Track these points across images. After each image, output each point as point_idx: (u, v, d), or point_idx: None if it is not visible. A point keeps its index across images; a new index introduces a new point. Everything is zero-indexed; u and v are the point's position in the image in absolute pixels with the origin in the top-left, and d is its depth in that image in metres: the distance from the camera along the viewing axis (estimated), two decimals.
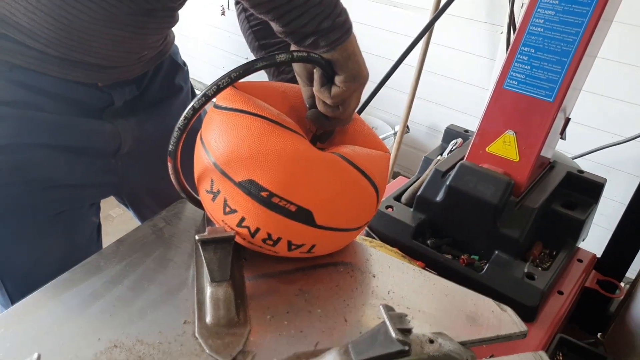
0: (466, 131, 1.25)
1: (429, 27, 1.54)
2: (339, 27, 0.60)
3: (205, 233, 0.62)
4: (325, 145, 0.70)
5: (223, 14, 3.00)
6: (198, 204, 0.71)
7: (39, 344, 0.55)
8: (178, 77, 0.95)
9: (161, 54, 0.88)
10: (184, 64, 0.99)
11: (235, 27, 2.98)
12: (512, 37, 1.36)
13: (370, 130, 0.74)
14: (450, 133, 1.25)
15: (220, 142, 0.61)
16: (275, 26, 0.61)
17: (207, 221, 0.77)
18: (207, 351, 0.55)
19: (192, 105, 0.59)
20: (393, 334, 0.50)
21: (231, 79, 0.58)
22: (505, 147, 1.00)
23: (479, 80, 2.04)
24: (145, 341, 0.56)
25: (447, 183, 0.99)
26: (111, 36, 0.70)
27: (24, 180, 0.72)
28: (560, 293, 0.97)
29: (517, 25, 1.01)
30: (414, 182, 1.15)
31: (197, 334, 0.57)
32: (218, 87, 0.58)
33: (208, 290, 0.61)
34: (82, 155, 0.78)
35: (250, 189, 0.59)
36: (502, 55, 1.88)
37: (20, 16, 0.64)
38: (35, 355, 0.45)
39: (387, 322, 0.51)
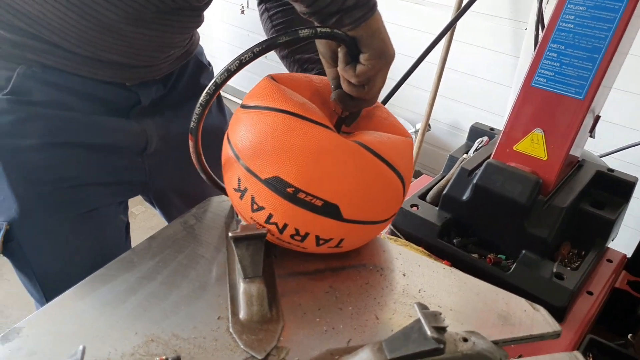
0: (492, 129, 1.24)
1: (452, 25, 1.53)
2: (364, 4, 0.58)
3: (238, 230, 0.63)
4: (350, 129, 0.69)
5: (242, 12, 3.01)
6: (219, 187, 0.72)
7: (78, 338, 0.56)
8: (203, 77, 0.96)
9: (187, 53, 0.89)
10: (209, 64, 1.00)
11: (255, 25, 3.00)
12: (540, 34, 1.35)
13: (393, 116, 0.74)
14: (476, 131, 1.24)
15: (245, 141, 0.62)
16: (299, 7, 0.60)
17: (236, 217, 0.78)
18: (242, 346, 0.56)
19: (215, 81, 0.59)
20: (428, 332, 0.50)
21: (254, 54, 0.58)
22: (533, 145, 0.99)
23: (501, 78, 2.02)
24: (180, 336, 0.57)
25: (474, 182, 0.98)
26: (139, 35, 0.72)
27: (55, 179, 0.73)
28: (590, 293, 0.95)
29: (546, 21, 0.99)
30: (439, 180, 1.14)
31: (231, 330, 0.58)
32: (241, 62, 0.58)
33: (241, 286, 0.61)
34: (111, 153, 0.80)
35: (276, 185, 0.59)
36: (526, 52, 1.85)
37: (52, 16, 0.66)
38: (81, 348, 0.46)
39: (422, 320, 0.51)
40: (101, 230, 0.79)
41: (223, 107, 1.03)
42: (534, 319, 0.62)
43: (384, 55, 0.61)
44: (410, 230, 1.04)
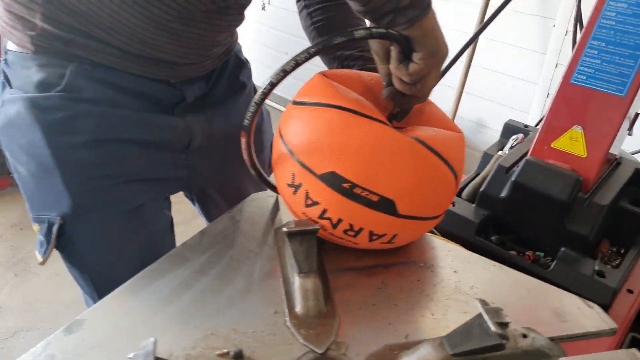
0: (526, 126, 1.23)
1: (488, 24, 1.51)
2: (418, 4, 0.58)
3: (292, 225, 0.63)
4: (401, 124, 0.69)
5: (263, 8, 3.02)
6: (267, 183, 0.74)
7: (138, 330, 0.57)
8: (242, 74, 0.97)
9: (228, 51, 0.90)
10: (247, 61, 1.00)
11: (276, 21, 3.01)
12: (579, 31, 1.33)
13: (442, 112, 0.74)
14: (510, 128, 1.24)
15: (301, 137, 0.62)
16: (354, 5, 0.60)
17: (280, 211, 0.78)
18: (301, 341, 0.56)
19: (270, 81, 0.59)
20: (492, 328, 0.50)
21: (309, 54, 0.58)
22: (572, 143, 0.98)
23: (528, 75, 2.00)
24: (239, 330, 0.58)
25: (512, 179, 0.98)
26: (188, 34, 0.72)
27: (106, 175, 0.75)
28: (630, 292, 0.95)
29: (586, 18, 0.99)
30: (474, 177, 1.14)
31: (288, 324, 0.58)
32: (296, 62, 0.58)
33: (296, 281, 0.62)
34: (158, 150, 0.81)
35: (332, 181, 0.60)
36: (554, 49, 1.84)
37: (104, 15, 0.67)
38: (152, 340, 0.47)
39: (485, 316, 0.51)
40: (149, 225, 0.80)
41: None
42: (589, 316, 0.62)
43: (437, 54, 0.61)
44: (448, 227, 1.04)
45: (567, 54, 1.76)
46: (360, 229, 0.62)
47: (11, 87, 0.75)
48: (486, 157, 1.18)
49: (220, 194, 1.00)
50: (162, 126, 0.80)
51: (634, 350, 0.57)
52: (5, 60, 0.76)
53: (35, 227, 0.75)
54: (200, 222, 1.00)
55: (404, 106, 0.67)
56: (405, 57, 0.62)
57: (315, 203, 0.62)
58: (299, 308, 0.60)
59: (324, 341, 0.56)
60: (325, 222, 0.63)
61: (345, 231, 0.63)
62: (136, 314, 0.60)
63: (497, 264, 0.69)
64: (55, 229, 0.72)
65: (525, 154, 1.04)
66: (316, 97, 0.63)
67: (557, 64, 1.83)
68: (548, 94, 1.90)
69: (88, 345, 0.55)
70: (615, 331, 0.60)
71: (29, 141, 0.72)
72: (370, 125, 0.59)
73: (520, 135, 1.18)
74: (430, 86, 0.64)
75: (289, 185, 0.64)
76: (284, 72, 0.59)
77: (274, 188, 0.78)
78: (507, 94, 2.10)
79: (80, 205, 0.73)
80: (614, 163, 1.08)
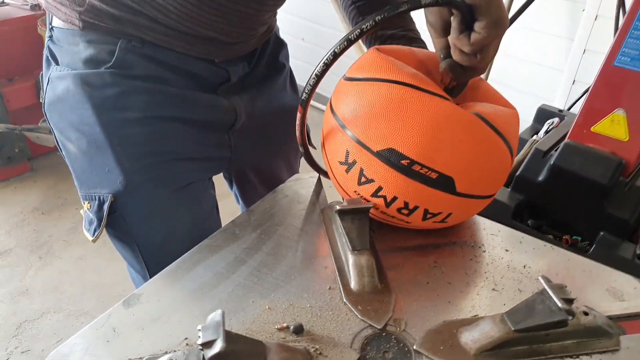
0: (560, 111, 1.22)
1: (522, 11, 1.49)
2: None
3: (345, 204, 0.63)
4: (457, 99, 0.68)
5: None
6: (314, 163, 0.74)
7: (195, 305, 0.58)
8: (281, 54, 0.96)
9: (269, 30, 0.89)
10: (285, 42, 1.00)
11: (292, 7, 2.97)
12: (622, 15, 1.31)
13: (494, 89, 0.73)
14: (543, 113, 1.22)
15: (356, 113, 0.61)
16: None
17: (321, 189, 0.78)
18: (359, 317, 0.56)
19: (333, 50, 0.58)
20: (559, 304, 0.50)
21: (375, 22, 0.57)
22: (613, 126, 0.97)
23: (554, 61, 1.97)
24: (296, 305, 0.58)
25: (551, 163, 0.98)
26: (236, 12, 0.72)
27: (157, 152, 0.75)
28: None
29: (629, 1, 0.97)
30: None
31: (345, 300, 0.58)
32: (361, 31, 0.58)
33: (350, 258, 0.62)
34: (204, 129, 0.81)
35: (390, 157, 0.59)
36: (583, 34, 1.81)
37: None
38: (220, 311, 0.47)
39: (549, 292, 0.51)
40: (198, 203, 0.81)
41: (296, 85, 1.03)
42: None
43: (500, 23, 0.60)
44: (482, 211, 1.03)
45: (597, 39, 1.73)
46: (415, 208, 0.62)
47: (58, 64, 0.75)
48: (520, 142, 1.17)
49: (257, 175, 1.01)
50: (209, 105, 0.80)
51: None
52: (51, 37, 0.76)
53: (85, 205, 0.76)
54: (225, 205, 0.97)
55: (461, 79, 0.66)
56: (467, 27, 0.61)
57: (369, 181, 0.62)
58: (353, 284, 0.60)
59: (382, 317, 0.56)
60: (379, 201, 0.63)
61: (399, 209, 0.63)
62: (193, 289, 0.60)
63: (549, 244, 0.68)
64: (106, 206, 0.73)
65: (563, 138, 1.03)
66: (372, 72, 0.62)
67: (585, 50, 1.81)
68: (574, 80, 1.88)
69: (148, 318, 0.56)
70: None
71: (79, 118, 0.73)
72: (431, 100, 0.59)
73: (556, 120, 1.17)
74: (490, 57, 0.63)
75: (342, 163, 0.64)
76: (348, 42, 0.58)
77: (317, 168, 0.78)
78: (532, 81, 2.07)
79: (132, 183, 0.73)
80: None
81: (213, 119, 0.82)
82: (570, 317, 0.50)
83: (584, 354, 0.54)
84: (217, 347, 0.45)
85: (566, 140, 0.99)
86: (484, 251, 0.67)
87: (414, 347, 0.53)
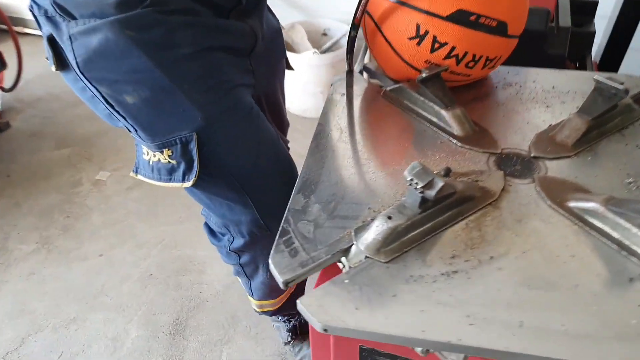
0: None
1: None
2: None
3: (423, 74, 0.73)
4: None
5: None
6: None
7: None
8: None
9: None
10: None
11: None
12: None
13: None
14: None
15: None
16: None
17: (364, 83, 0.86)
18: (480, 150, 0.68)
19: None
20: (617, 86, 0.67)
21: None
22: None
23: None
24: (427, 162, 0.68)
25: None
26: None
27: (219, 83, 0.75)
28: None
29: None
30: None
31: (460, 145, 0.70)
32: None
33: (446, 114, 0.73)
34: (238, 56, 0.82)
35: (459, 17, 0.70)
36: None
37: None
38: (417, 162, 0.55)
39: (607, 82, 0.68)
40: (265, 124, 0.83)
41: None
42: None
43: None
44: None
45: None
46: (480, 58, 0.74)
47: (76, 19, 0.69)
48: None
49: (266, 102, 1.03)
50: (237, 32, 0.81)
51: None
52: None
53: (165, 153, 0.74)
54: None
55: None
56: None
57: (443, 45, 0.72)
58: (459, 132, 0.72)
59: (495, 144, 0.70)
60: (451, 61, 0.74)
61: (467, 64, 0.74)
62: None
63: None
64: (193, 144, 0.73)
65: None
66: None
67: None
68: None
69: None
70: None
71: (131, 66, 0.70)
72: None
73: None
74: None
75: (412, 38, 0.73)
76: None
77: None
78: None
79: (211, 116, 0.73)
80: None
81: (242, 44, 0.83)
82: (626, 94, 0.68)
83: (629, 124, 0.73)
84: (439, 183, 0.54)
85: None
86: (519, 85, 0.83)
87: (531, 154, 0.68)
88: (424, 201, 0.55)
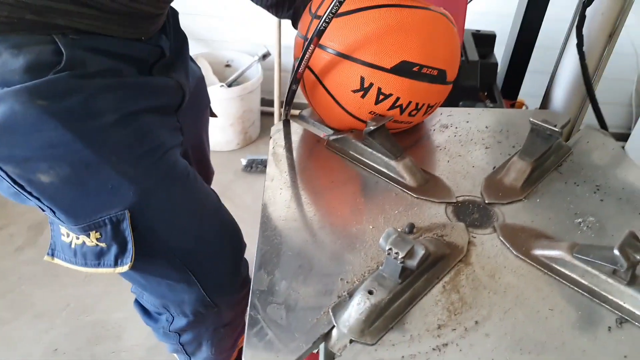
0: None
1: None
2: None
3: (371, 127, 0.71)
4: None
5: None
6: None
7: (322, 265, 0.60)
8: (178, 21, 0.91)
9: None
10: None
11: None
12: None
13: None
14: None
15: (362, 41, 0.68)
16: None
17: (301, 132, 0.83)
18: (436, 200, 0.68)
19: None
20: (552, 127, 0.70)
21: None
22: None
23: None
24: (385, 216, 0.65)
25: None
26: None
27: (149, 149, 0.67)
28: None
29: None
30: None
31: (415, 196, 0.69)
32: None
33: (396, 165, 0.71)
34: (165, 115, 0.74)
35: (403, 69, 0.69)
36: None
37: None
38: (392, 229, 0.52)
39: (542, 125, 0.71)
40: (204, 187, 0.74)
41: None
42: None
43: None
44: None
45: None
46: (422, 105, 0.74)
47: None
48: None
49: (193, 154, 0.96)
50: (163, 89, 0.74)
51: None
52: None
53: (92, 236, 0.64)
54: None
55: None
56: None
57: (387, 96, 0.71)
58: (411, 182, 0.70)
59: (448, 193, 0.69)
60: (395, 111, 0.73)
61: (410, 112, 0.74)
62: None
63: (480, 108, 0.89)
64: (126, 224, 0.63)
65: None
66: (356, 4, 0.69)
67: None
68: None
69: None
70: None
71: (45, 141, 0.59)
72: (419, 12, 0.69)
73: None
74: None
75: (356, 90, 0.71)
76: None
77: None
78: None
79: (144, 189, 0.65)
80: None
81: (170, 102, 0.76)
82: (561, 135, 0.72)
83: (562, 162, 0.77)
84: (420, 252, 0.51)
85: None
86: (455, 126, 0.84)
87: (485, 201, 0.68)
88: (403, 271, 0.52)
